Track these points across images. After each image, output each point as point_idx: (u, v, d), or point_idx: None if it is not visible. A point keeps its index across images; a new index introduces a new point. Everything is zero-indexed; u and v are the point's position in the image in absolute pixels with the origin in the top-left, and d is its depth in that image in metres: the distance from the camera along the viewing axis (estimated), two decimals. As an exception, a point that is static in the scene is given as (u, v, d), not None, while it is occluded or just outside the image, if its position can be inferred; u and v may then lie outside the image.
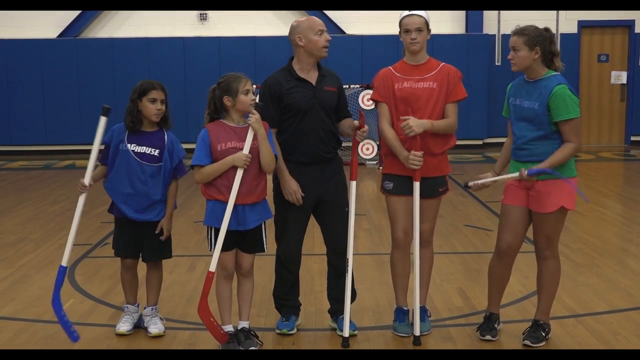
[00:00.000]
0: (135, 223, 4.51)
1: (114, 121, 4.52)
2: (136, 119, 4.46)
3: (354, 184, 4.43)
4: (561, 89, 4.13)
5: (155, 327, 4.62)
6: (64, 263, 4.42)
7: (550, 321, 4.45)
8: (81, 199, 4.43)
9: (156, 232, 4.52)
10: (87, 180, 4.41)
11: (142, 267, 4.68)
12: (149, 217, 4.50)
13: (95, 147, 4.38)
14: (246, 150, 4.20)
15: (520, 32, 4.22)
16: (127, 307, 4.69)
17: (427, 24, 4.45)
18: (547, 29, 4.25)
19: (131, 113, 4.47)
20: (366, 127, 4.41)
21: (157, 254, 4.63)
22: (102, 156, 4.54)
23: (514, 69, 4.29)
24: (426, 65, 4.48)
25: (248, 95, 4.25)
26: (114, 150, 4.48)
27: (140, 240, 4.56)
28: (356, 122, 4.44)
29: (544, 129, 4.17)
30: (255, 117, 4.19)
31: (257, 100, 4.30)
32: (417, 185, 4.39)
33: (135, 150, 4.45)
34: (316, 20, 4.48)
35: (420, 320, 4.51)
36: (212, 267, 4.25)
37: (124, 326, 4.62)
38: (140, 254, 4.63)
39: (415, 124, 4.28)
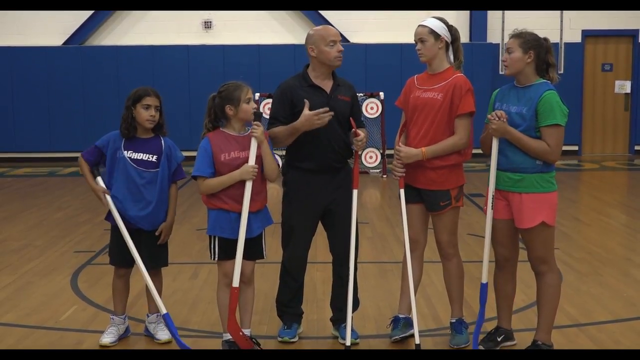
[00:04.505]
0: (134, 231, 4.49)
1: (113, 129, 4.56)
2: (131, 126, 4.46)
3: (355, 192, 4.44)
4: (551, 94, 4.08)
5: (163, 333, 4.62)
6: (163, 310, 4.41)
7: (552, 330, 4.37)
8: (110, 204, 4.45)
9: (156, 234, 4.52)
10: (101, 183, 4.45)
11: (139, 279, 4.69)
12: (146, 224, 4.48)
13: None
14: (252, 161, 4.21)
15: (517, 34, 4.20)
16: (113, 318, 4.64)
17: (433, 32, 4.38)
18: (545, 39, 4.21)
19: (126, 120, 4.47)
20: (362, 134, 4.39)
21: (156, 261, 4.61)
22: (89, 157, 4.51)
23: (506, 72, 4.23)
24: (440, 75, 4.43)
25: (250, 104, 4.26)
26: (111, 159, 4.48)
27: (137, 248, 4.53)
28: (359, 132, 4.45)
29: (529, 135, 4.08)
30: (260, 129, 4.20)
31: (258, 109, 4.31)
32: (402, 192, 4.42)
33: (132, 157, 4.45)
34: (330, 30, 4.49)
35: (457, 333, 4.50)
36: (235, 283, 4.25)
37: (108, 337, 4.55)
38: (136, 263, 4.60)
39: (405, 155, 4.32)
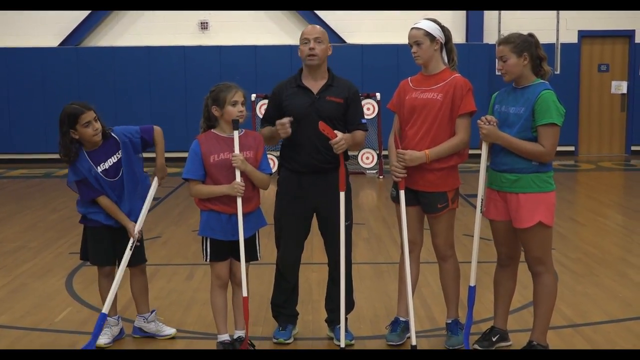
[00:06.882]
0: (115, 230, 4.47)
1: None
2: (72, 153, 4.35)
3: (342, 194, 4.39)
4: (548, 94, 4.07)
5: (168, 328, 4.70)
6: (105, 310, 4.37)
7: (548, 331, 4.37)
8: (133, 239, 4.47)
9: (156, 176, 4.55)
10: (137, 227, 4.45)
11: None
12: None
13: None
14: (238, 178, 4.19)
15: (505, 40, 4.19)
16: (107, 319, 4.60)
17: (428, 35, 4.36)
18: (531, 35, 4.20)
19: (65, 147, 4.34)
20: (338, 137, 4.28)
21: (139, 255, 4.59)
22: (85, 194, 4.45)
23: (506, 79, 4.22)
24: (438, 76, 4.41)
25: (236, 107, 4.21)
26: (94, 178, 4.39)
27: (119, 247, 4.49)
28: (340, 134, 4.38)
29: (525, 135, 4.08)
30: (239, 159, 4.16)
31: (244, 113, 4.29)
32: (402, 194, 4.38)
33: (106, 168, 4.40)
34: (307, 29, 4.50)
35: (453, 334, 4.49)
36: (245, 292, 4.27)
37: (103, 339, 4.52)
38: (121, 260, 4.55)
39: (410, 158, 4.30)
